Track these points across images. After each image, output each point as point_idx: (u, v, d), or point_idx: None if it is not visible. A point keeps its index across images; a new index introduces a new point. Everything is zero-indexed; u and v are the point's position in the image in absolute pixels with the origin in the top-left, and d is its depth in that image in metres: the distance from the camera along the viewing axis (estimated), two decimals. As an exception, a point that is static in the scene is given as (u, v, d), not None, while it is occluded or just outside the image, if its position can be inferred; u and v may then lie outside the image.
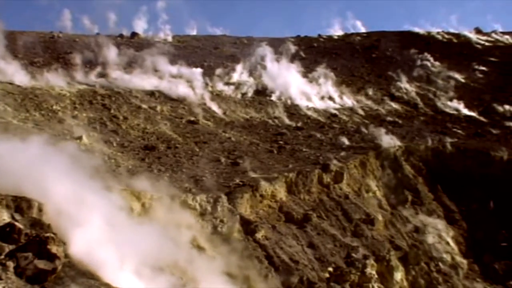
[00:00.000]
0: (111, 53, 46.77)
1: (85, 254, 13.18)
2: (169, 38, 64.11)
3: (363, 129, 40.14)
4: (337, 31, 78.24)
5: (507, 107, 49.11)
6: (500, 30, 79.86)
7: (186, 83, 44.13)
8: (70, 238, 13.31)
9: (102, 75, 41.92)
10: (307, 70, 54.17)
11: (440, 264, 27.28)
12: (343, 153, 33.34)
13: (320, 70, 54.17)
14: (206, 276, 18.91)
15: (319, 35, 75.82)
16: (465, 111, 48.32)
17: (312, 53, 62.57)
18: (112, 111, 35.36)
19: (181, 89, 42.95)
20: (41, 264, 11.68)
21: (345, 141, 36.86)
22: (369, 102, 50.33)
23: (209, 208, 23.51)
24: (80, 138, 27.69)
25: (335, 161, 30.85)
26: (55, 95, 34.84)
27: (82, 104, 35.26)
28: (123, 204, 18.22)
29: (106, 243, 13.99)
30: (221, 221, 23.18)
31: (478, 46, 71.97)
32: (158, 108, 38.41)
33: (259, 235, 23.56)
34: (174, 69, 46.31)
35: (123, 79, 42.16)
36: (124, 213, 17.74)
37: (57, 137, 25.40)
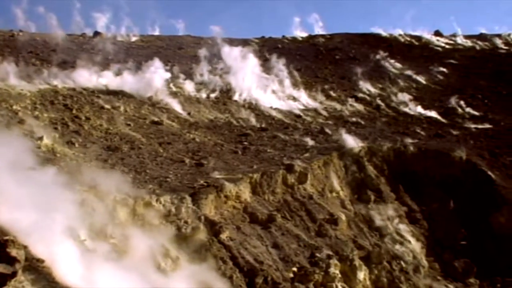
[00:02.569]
0: (73, 52, 46.08)
1: (45, 257, 12.97)
2: (133, 38, 63.58)
3: (327, 130, 40.49)
4: (297, 31, 78.79)
5: (467, 108, 50.34)
6: (460, 33, 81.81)
7: (150, 83, 43.75)
8: (28, 241, 13.07)
9: (64, 74, 41.21)
10: (271, 71, 54.35)
11: (402, 263, 27.66)
12: (307, 154, 33.55)
13: (284, 71, 54.44)
14: (171, 276, 18.81)
15: (283, 36, 76.31)
16: (426, 113, 49.25)
17: (276, 54, 62.74)
18: (74, 111, 34.79)
19: (144, 89, 42.57)
20: (1, 267, 11.42)
21: (309, 141, 37.11)
22: (332, 103, 50.81)
23: (173, 209, 23.35)
24: (41, 139, 27.18)
25: (299, 162, 31.01)
26: (15, 95, 34.13)
27: (43, 104, 34.62)
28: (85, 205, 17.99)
29: (67, 245, 13.79)
30: (185, 222, 23.04)
31: (439, 48, 73.55)
32: (122, 108, 37.98)
33: (223, 236, 23.52)
34: (138, 69, 45.84)
35: (85, 78, 41.57)
36: (86, 214, 17.54)
37: (17, 138, 24.84)
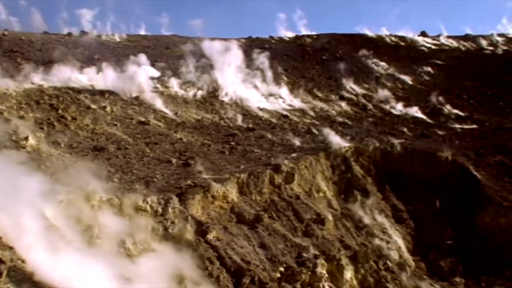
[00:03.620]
0: (59, 52, 45.79)
1: (31, 259, 12.88)
2: (119, 38, 63.31)
3: (314, 130, 40.58)
4: (281, 28, 79.20)
5: (452, 109, 50.71)
6: (445, 33, 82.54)
7: (137, 83, 43.59)
8: (14, 243, 12.97)
9: (50, 74, 40.94)
10: (258, 72, 54.38)
11: (388, 262, 27.73)
12: (294, 154, 33.59)
13: (271, 71, 54.51)
14: (156, 277, 18.73)
15: (271, 36, 76.45)
16: (412, 113, 49.51)
17: (264, 54, 62.80)
18: (60, 111, 34.59)
19: (131, 89, 42.41)
20: (-15, 269, 11.34)
21: (296, 142, 37.20)
22: (319, 103, 50.93)
23: (160, 210, 23.29)
24: (26, 139, 26.98)
25: (286, 162, 31.04)
26: (0, 95, 33.85)
27: (28, 104, 34.40)
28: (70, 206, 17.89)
29: (52, 247, 13.69)
30: (172, 222, 23.00)
31: (425, 49, 74.05)
32: (108, 108, 37.81)
33: (210, 236, 23.49)
34: (124, 69, 45.64)
35: (72, 78, 41.34)
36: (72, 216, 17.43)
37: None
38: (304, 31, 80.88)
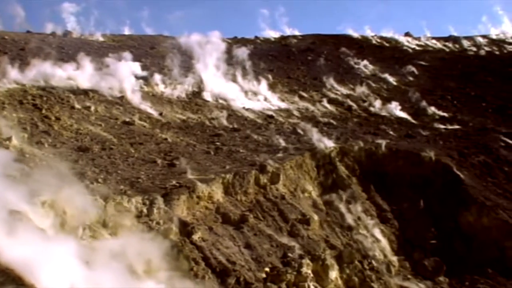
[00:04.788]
0: (43, 51, 45.40)
1: (14, 261, 12.75)
2: (102, 37, 63.00)
3: (299, 130, 40.65)
4: (263, 25, 79.63)
5: (436, 109, 51.12)
6: (428, 34, 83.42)
7: (121, 83, 43.37)
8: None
9: (33, 74, 40.56)
10: (244, 72, 54.40)
11: (373, 262, 27.81)
12: (279, 154, 33.61)
13: (257, 71, 54.53)
14: (142, 278, 18.65)
15: (256, 36, 76.70)
16: (397, 113, 49.82)
17: (249, 55, 62.86)
18: (43, 111, 34.30)
19: (116, 89, 42.20)
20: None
21: (282, 142, 37.23)
22: (304, 104, 51.06)
23: (145, 210, 23.20)
24: (9, 139, 26.71)
25: (271, 162, 31.06)
26: (-17, 95, 33.53)
27: (11, 104, 34.08)
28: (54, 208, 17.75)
29: (36, 248, 13.58)
30: (157, 223, 22.89)
31: (409, 50, 74.66)
32: (92, 108, 37.58)
33: (195, 237, 23.41)
34: (109, 69, 45.36)
35: (55, 78, 41.02)
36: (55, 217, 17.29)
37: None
38: (286, 29, 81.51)
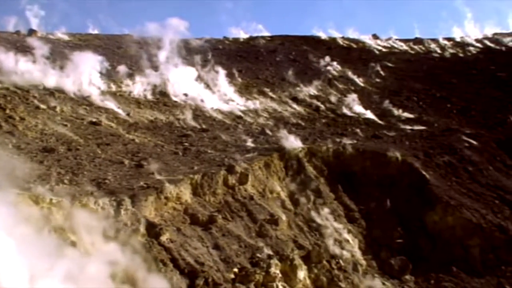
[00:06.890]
0: (7, 50, 44.48)
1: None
2: (68, 37, 62.12)
3: (268, 131, 40.76)
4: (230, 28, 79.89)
5: (402, 111, 51.85)
6: (394, 36, 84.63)
7: (88, 83, 42.82)
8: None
9: (-4, 73, 39.75)
10: (212, 72, 54.28)
11: (341, 261, 28.02)
12: (248, 155, 33.62)
13: (225, 72, 54.48)
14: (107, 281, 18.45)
15: (225, 37, 76.69)
16: (364, 114, 50.36)
17: (217, 55, 62.84)
18: (7, 111, 33.60)
19: (82, 89, 41.64)
20: None
21: (250, 142, 37.26)
22: (273, 104, 51.20)
23: (112, 212, 22.94)
24: (-29, 139, 26.15)
25: (240, 163, 31.06)
26: None
27: (-26, 104, 33.32)
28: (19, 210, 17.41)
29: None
30: (125, 224, 22.67)
31: (376, 51, 75.57)
32: (58, 108, 36.99)
33: (164, 238, 23.26)
34: (75, 68, 44.66)
35: (20, 77, 40.25)
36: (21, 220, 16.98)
37: None
38: (250, 27, 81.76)
